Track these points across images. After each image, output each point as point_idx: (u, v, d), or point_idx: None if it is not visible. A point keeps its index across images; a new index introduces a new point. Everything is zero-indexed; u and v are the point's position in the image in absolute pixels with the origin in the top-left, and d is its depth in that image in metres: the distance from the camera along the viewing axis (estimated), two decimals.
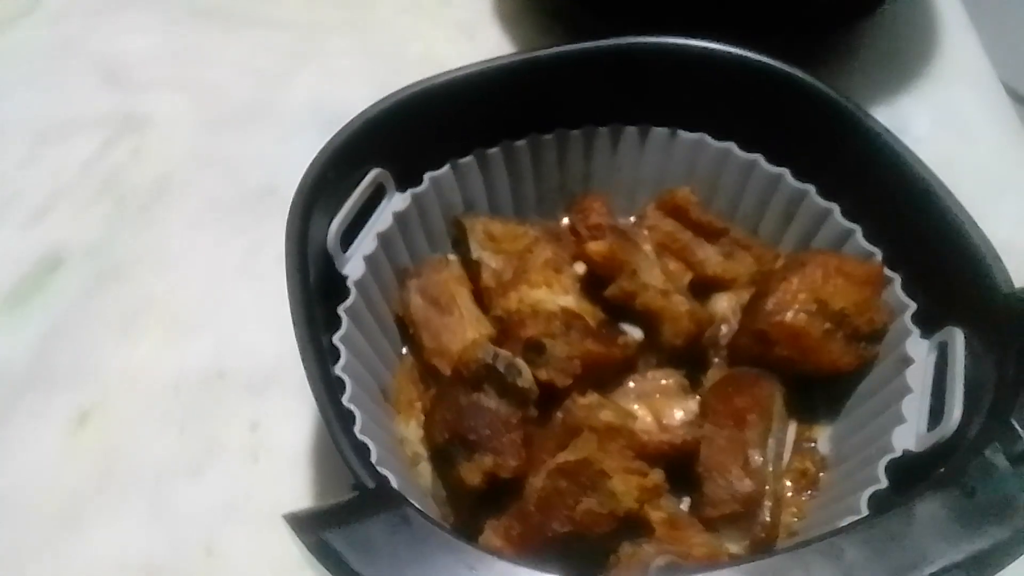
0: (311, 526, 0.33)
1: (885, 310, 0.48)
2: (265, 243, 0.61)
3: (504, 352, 0.44)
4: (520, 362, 0.44)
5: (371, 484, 0.37)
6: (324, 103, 0.68)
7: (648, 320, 0.49)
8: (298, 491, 0.52)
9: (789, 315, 0.47)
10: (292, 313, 0.41)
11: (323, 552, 0.32)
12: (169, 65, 0.72)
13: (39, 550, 0.50)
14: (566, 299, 0.49)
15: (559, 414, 0.44)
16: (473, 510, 0.44)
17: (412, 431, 0.50)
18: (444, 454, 0.44)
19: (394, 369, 0.52)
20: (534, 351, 0.44)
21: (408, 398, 0.52)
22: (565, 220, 0.58)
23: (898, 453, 0.42)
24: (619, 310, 0.50)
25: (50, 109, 0.69)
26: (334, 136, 0.47)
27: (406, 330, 0.52)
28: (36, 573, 0.49)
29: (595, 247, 0.48)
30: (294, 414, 0.54)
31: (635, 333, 0.50)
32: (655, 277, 0.49)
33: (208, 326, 0.59)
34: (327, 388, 0.40)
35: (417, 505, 0.39)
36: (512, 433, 0.43)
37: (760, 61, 0.51)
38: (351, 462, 0.37)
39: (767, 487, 0.46)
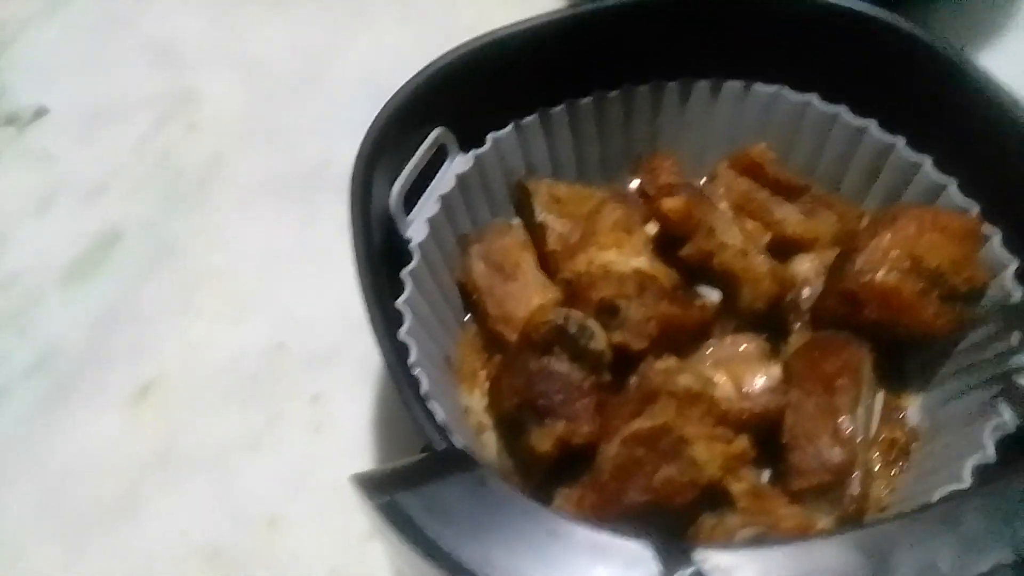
0: (382, 487, 0.31)
1: (985, 267, 0.44)
2: (320, 216, 0.60)
3: (576, 313, 0.42)
4: (593, 323, 0.41)
5: (442, 446, 0.34)
6: (375, 75, 0.65)
7: (726, 282, 0.46)
8: (361, 463, 0.50)
9: (880, 274, 0.43)
10: (358, 276, 0.39)
11: (395, 514, 0.30)
12: (219, 42, 0.71)
13: (99, 529, 0.49)
14: (639, 260, 0.46)
15: (634, 379, 0.41)
16: (543, 482, 0.42)
17: (476, 400, 0.48)
18: (513, 422, 0.42)
19: (456, 337, 0.50)
20: (607, 313, 0.42)
21: (471, 367, 0.50)
22: (632, 184, 0.55)
23: (1006, 420, 0.38)
24: (694, 272, 0.47)
25: (103, 88, 0.68)
26: (395, 94, 0.45)
27: (469, 297, 0.50)
28: (97, 552, 0.48)
29: (670, 203, 0.45)
30: (356, 385, 0.53)
31: (712, 296, 0.47)
32: (733, 236, 0.46)
33: (266, 300, 0.57)
34: (396, 351, 0.38)
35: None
36: (585, 398, 0.40)
37: (840, 4, 0.48)
38: (422, 422, 0.35)
39: (858, 456, 0.43)
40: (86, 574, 0.48)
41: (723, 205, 0.48)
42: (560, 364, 0.41)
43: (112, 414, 0.53)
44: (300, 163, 0.63)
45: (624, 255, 0.46)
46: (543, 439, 0.40)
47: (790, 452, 0.42)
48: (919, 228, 0.44)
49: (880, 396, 0.46)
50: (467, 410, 0.48)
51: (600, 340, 0.41)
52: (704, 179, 0.55)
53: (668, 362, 0.41)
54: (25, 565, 0.48)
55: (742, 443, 0.39)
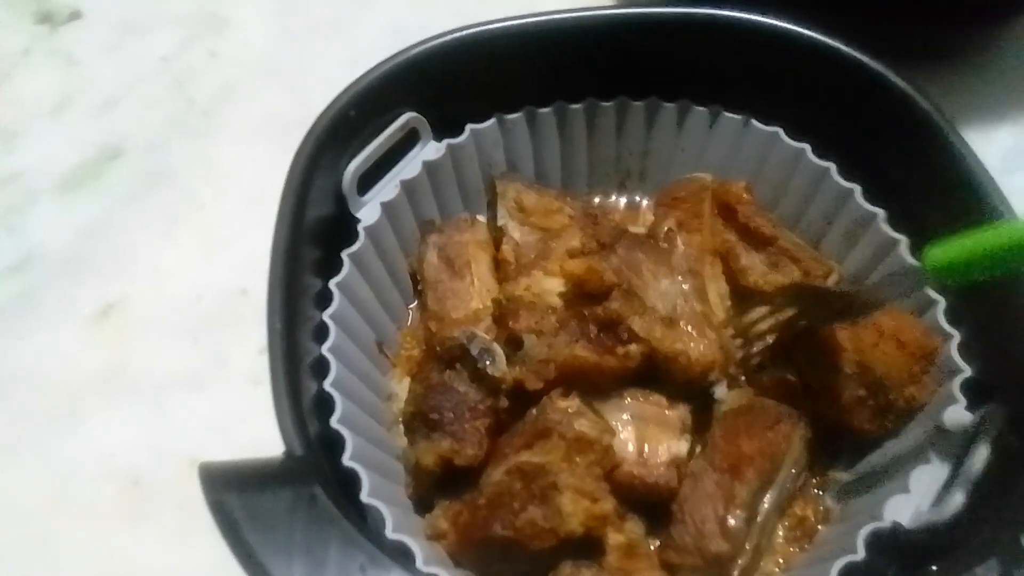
0: (218, 483, 0.32)
1: (931, 387, 0.42)
2: None
3: (482, 336, 0.41)
4: (497, 349, 0.41)
5: (299, 451, 0.35)
6: (402, 26, 0.64)
7: (646, 347, 0.43)
8: None
9: (821, 372, 0.42)
10: (272, 251, 0.39)
11: (222, 514, 0.31)
12: None
13: (34, 436, 0.51)
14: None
15: (533, 411, 0.41)
16: (436, 485, 0.42)
17: (404, 387, 0.48)
18: (409, 428, 0.42)
19: (401, 321, 0.50)
20: (512, 346, 0.41)
21: (409, 354, 0.50)
22: (617, 198, 0.54)
23: (886, 524, 0.37)
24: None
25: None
26: (366, 72, 0.45)
27: (415, 285, 0.50)
28: (29, 457, 0.51)
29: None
30: None
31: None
32: (665, 302, 0.43)
33: (242, 242, 0.58)
34: (284, 336, 0.38)
35: (363, 472, 0.37)
36: (477, 421, 0.40)
37: (853, 56, 0.45)
38: (283, 423, 0.35)
39: (746, 546, 0.41)
40: (11, 478, 0.50)
41: (676, 260, 0.46)
42: (459, 382, 0.41)
43: (72, 328, 0.55)
44: (307, 108, 0.62)
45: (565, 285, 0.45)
46: (427, 453, 0.40)
47: (673, 524, 0.41)
48: (876, 336, 0.42)
49: (803, 475, 0.45)
50: (391, 396, 0.48)
51: (500, 366, 0.41)
52: None
53: (570, 402, 0.40)
54: None
55: (606, 506, 0.38)
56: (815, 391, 0.43)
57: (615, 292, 0.42)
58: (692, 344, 0.42)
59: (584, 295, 0.42)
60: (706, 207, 0.49)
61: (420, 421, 0.41)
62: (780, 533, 0.43)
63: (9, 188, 0.61)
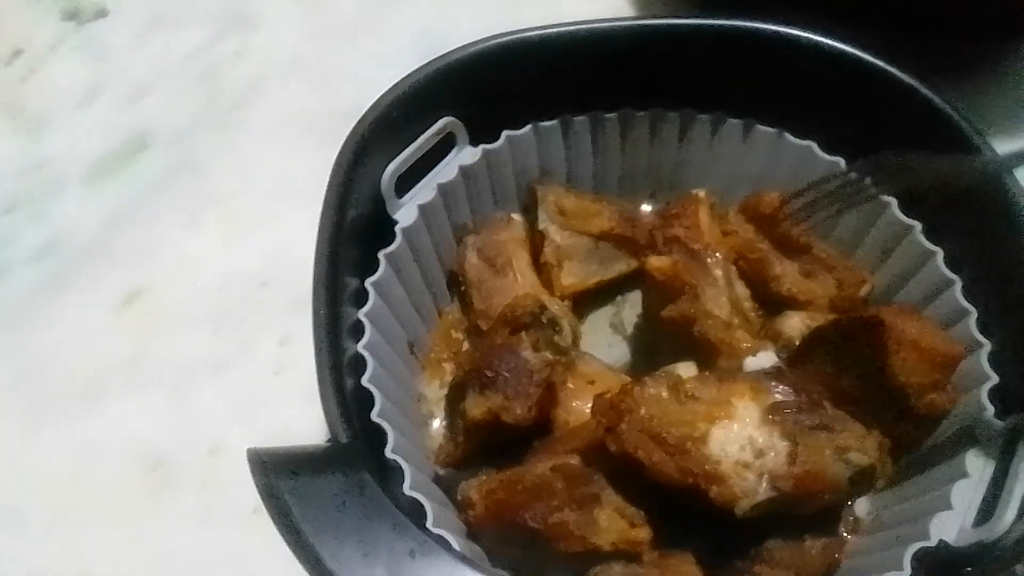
0: (268, 468, 0.32)
1: (953, 394, 0.42)
2: None
3: (552, 308, 0.42)
4: (564, 321, 0.42)
5: (344, 439, 0.35)
6: (430, 30, 0.66)
7: (705, 349, 0.45)
8: (308, 414, 0.50)
9: (844, 381, 0.42)
10: (316, 250, 0.40)
11: (271, 497, 0.31)
12: None
13: (57, 417, 0.52)
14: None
15: (602, 418, 0.41)
16: (478, 451, 0.43)
17: (433, 390, 0.49)
18: (459, 388, 0.43)
19: (432, 324, 0.51)
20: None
21: (439, 356, 0.50)
22: (646, 206, 0.54)
23: (932, 543, 0.37)
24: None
25: None
26: (408, 75, 0.45)
27: (458, 287, 0.50)
28: (49, 438, 0.51)
29: (656, 263, 0.44)
30: None
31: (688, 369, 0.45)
32: (721, 306, 0.45)
33: (266, 234, 0.58)
34: (329, 330, 0.38)
35: (405, 465, 0.38)
36: (531, 387, 0.41)
37: (887, 71, 0.46)
38: (329, 413, 0.36)
39: None
40: (34, 455, 0.51)
41: (718, 272, 0.47)
42: (523, 347, 0.42)
43: (98, 312, 0.55)
44: (333, 105, 0.63)
45: None
46: (477, 405, 0.41)
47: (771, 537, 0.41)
48: (897, 343, 0.41)
49: None
50: (421, 397, 0.48)
51: (566, 337, 0.42)
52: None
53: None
54: None
55: (643, 533, 0.38)
56: (836, 396, 0.43)
57: (685, 296, 0.42)
58: (747, 346, 0.44)
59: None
60: (703, 219, 0.50)
61: (475, 377, 0.41)
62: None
63: (37, 176, 0.61)
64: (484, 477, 0.41)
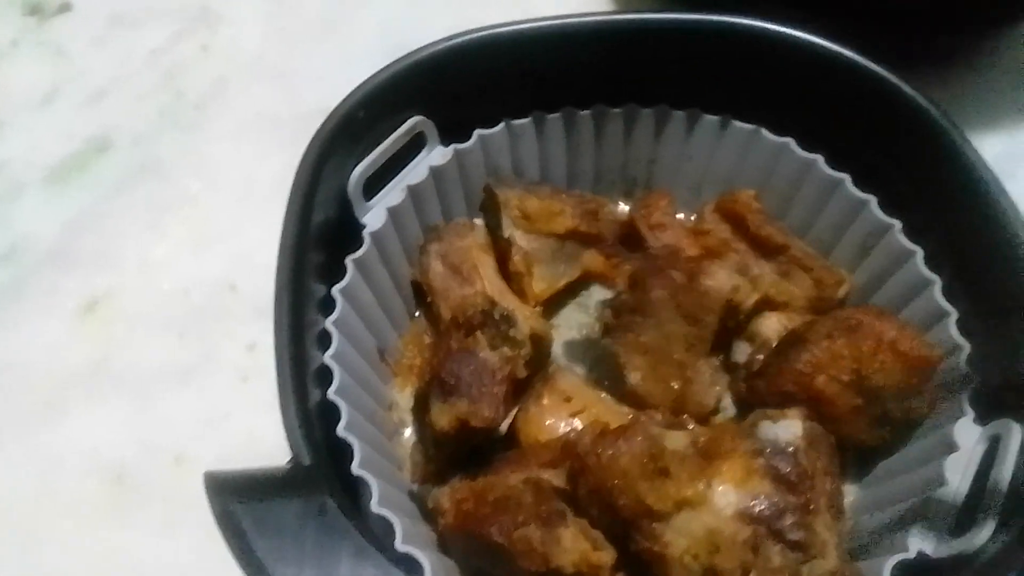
0: (225, 492, 0.31)
1: (931, 399, 0.42)
2: None
3: (502, 304, 0.42)
4: (516, 314, 0.41)
5: (306, 459, 0.34)
6: (397, 29, 0.64)
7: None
8: (278, 423, 0.49)
9: (820, 380, 0.41)
10: (279, 256, 0.38)
11: (229, 523, 0.30)
12: None
13: (18, 429, 0.50)
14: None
15: (572, 434, 0.40)
16: (448, 461, 0.42)
17: (405, 397, 0.47)
18: (424, 400, 0.42)
19: (404, 329, 0.49)
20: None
21: (411, 362, 0.49)
22: (621, 206, 0.53)
23: (912, 555, 0.36)
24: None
25: None
26: (375, 73, 0.44)
27: (423, 296, 0.49)
28: (13, 451, 0.49)
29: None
30: None
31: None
32: None
33: (231, 237, 0.57)
34: (293, 341, 0.37)
35: (372, 480, 0.36)
36: (495, 386, 0.40)
37: (865, 66, 0.45)
38: (291, 431, 0.35)
39: None
40: None
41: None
42: (480, 348, 0.41)
43: (59, 320, 0.54)
44: (297, 106, 0.62)
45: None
46: (443, 414, 0.40)
47: None
48: (875, 346, 0.41)
49: None
50: (392, 405, 0.47)
51: (521, 329, 0.41)
52: (695, 216, 0.53)
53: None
54: None
55: (604, 557, 0.36)
56: (811, 400, 0.42)
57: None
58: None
59: None
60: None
61: (437, 387, 0.40)
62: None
63: None
64: (457, 484, 0.40)
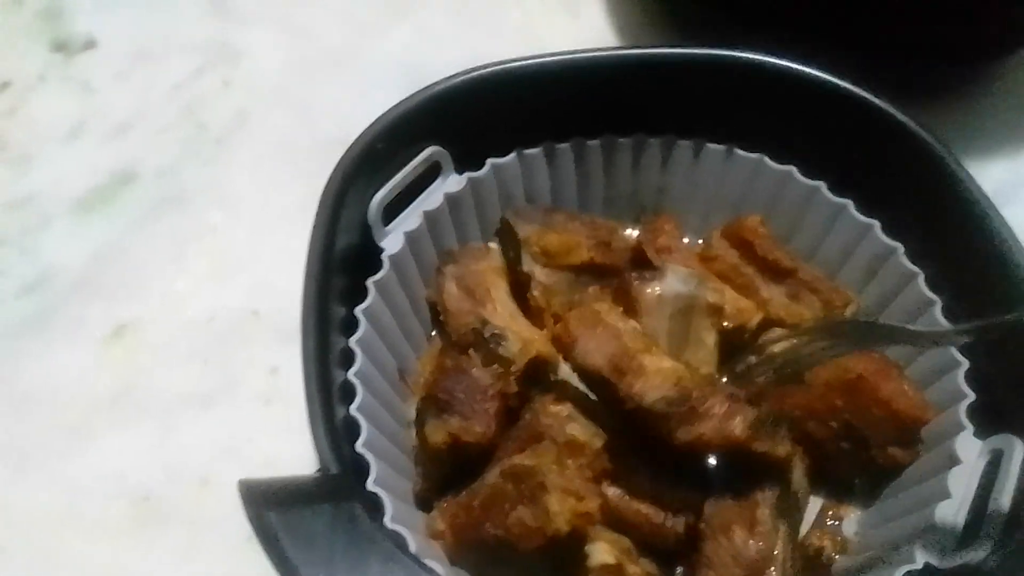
0: (259, 500, 0.32)
1: (915, 450, 0.44)
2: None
3: (494, 323, 0.43)
4: (507, 332, 0.43)
5: (335, 470, 0.35)
6: (413, 61, 0.66)
7: None
8: (300, 446, 0.50)
9: (811, 424, 0.44)
10: (304, 279, 0.40)
11: (262, 529, 0.31)
12: (271, 3, 0.72)
13: (45, 455, 0.51)
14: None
15: (527, 415, 0.42)
16: (446, 478, 0.43)
17: None
18: (419, 416, 0.43)
19: (421, 350, 0.51)
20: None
21: (428, 382, 0.50)
22: (631, 231, 0.55)
23: (919, 566, 0.38)
24: None
25: (152, 28, 0.70)
26: (394, 106, 0.46)
27: (437, 316, 0.50)
28: (37, 477, 0.51)
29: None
30: None
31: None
32: None
33: (253, 265, 0.58)
34: (319, 359, 0.39)
35: (387, 497, 0.38)
36: (487, 403, 0.41)
37: (864, 97, 0.47)
38: (319, 442, 0.36)
39: (775, 551, 0.42)
40: (22, 495, 0.50)
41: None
42: (472, 366, 0.42)
43: (85, 348, 0.55)
44: (318, 136, 0.64)
45: None
46: (436, 431, 0.41)
47: (704, 541, 0.42)
48: (869, 400, 0.43)
49: (819, 502, 0.46)
50: (410, 424, 0.48)
51: (511, 347, 0.42)
52: (701, 240, 0.54)
53: (562, 407, 0.42)
54: None
55: (591, 504, 0.38)
56: (802, 438, 0.44)
57: None
58: None
59: None
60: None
61: (431, 404, 0.42)
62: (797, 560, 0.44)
63: (23, 210, 0.61)
64: (443, 505, 0.42)
